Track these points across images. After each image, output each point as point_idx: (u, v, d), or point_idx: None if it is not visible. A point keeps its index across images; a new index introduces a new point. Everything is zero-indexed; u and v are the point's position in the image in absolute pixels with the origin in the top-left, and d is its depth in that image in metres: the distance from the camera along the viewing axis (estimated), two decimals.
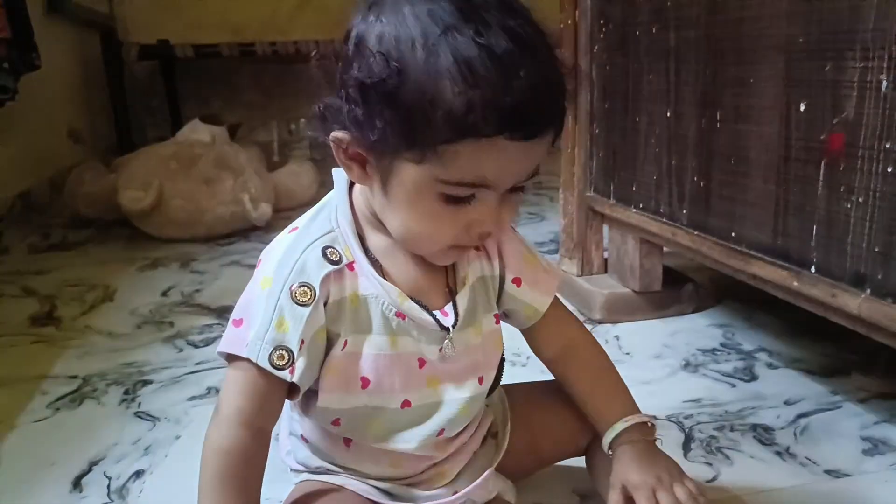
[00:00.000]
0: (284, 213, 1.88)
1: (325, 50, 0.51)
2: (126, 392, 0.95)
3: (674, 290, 1.17)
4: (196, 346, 1.10)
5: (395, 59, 0.45)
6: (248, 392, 0.52)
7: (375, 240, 0.56)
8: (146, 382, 0.98)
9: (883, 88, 0.66)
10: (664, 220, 1.03)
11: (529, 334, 0.66)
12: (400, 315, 0.55)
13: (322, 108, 0.51)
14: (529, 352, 0.67)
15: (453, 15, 0.45)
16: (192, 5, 3.19)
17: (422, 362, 0.56)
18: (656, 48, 1.01)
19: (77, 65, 2.63)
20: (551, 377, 0.68)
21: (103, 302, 1.33)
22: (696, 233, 0.96)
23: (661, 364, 0.99)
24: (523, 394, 0.69)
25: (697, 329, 1.11)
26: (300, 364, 0.52)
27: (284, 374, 0.51)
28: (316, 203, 0.58)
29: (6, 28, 1.68)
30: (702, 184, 0.94)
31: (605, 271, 1.24)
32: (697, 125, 0.93)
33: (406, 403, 0.57)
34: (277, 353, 0.51)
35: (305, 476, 0.62)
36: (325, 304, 0.53)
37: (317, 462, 0.61)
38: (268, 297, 0.52)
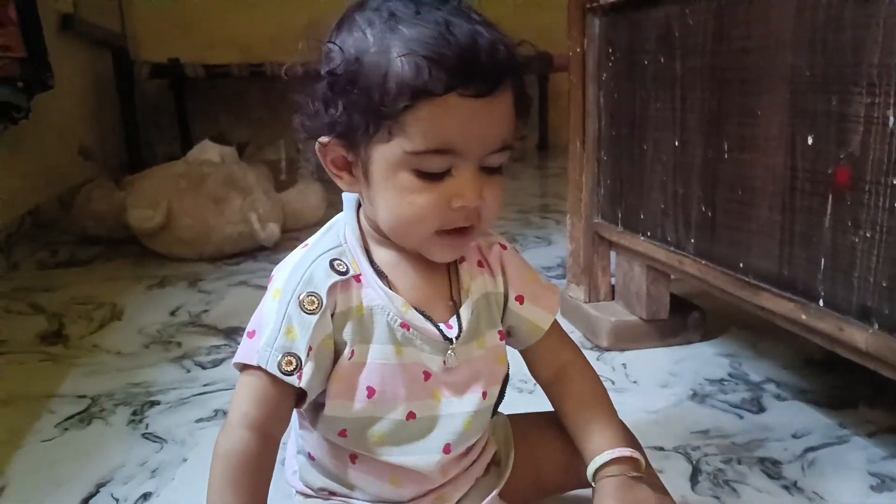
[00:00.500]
0: (293, 233, 1.89)
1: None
2: (134, 413, 0.96)
3: (680, 318, 1.17)
4: (204, 368, 1.11)
5: (352, 48, 0.51)
6: (257, 398, 0.54)
7: (381, 254, 0.58)
8: (154, 403, 0.99)
9: (889, 124, 0.66)
10: (671, 248, 1.03)
11: (527, 355, 0.67)
12: (405, 326, 0.56)
13: (302, 120, 0.55)
14: None
15: (399, 10, 0.51)
16: (202, 24, 3.24)
17: (427, 375, 0.58)
18: (663, 76, 1.02)
19: (89, 83, 2.66)
20: None
21: (111, 320, 1.34)
22: (703, 262, 0.96)
23: (668, 393, 0.99)
24: (528, 424, 0.69)
25: (704, 358, 1.11)
26: (308, 370, 0.53)
27: (292, 380, 0.53)
28: (325, 223, 0.61)
29: (21, 48, 1.70)
30: (708, 213, 0.94)
31: (613, 297, 1.25)
32: (704, 154, 0.94)
33: (411, 415, 0.57)
34: (286, 359, 0.53)
35: (309, 500, 0.62)
36: (333, 314, 0.55)
37: (321, 482, 0.62)
38: (278, 307, 0.54)
